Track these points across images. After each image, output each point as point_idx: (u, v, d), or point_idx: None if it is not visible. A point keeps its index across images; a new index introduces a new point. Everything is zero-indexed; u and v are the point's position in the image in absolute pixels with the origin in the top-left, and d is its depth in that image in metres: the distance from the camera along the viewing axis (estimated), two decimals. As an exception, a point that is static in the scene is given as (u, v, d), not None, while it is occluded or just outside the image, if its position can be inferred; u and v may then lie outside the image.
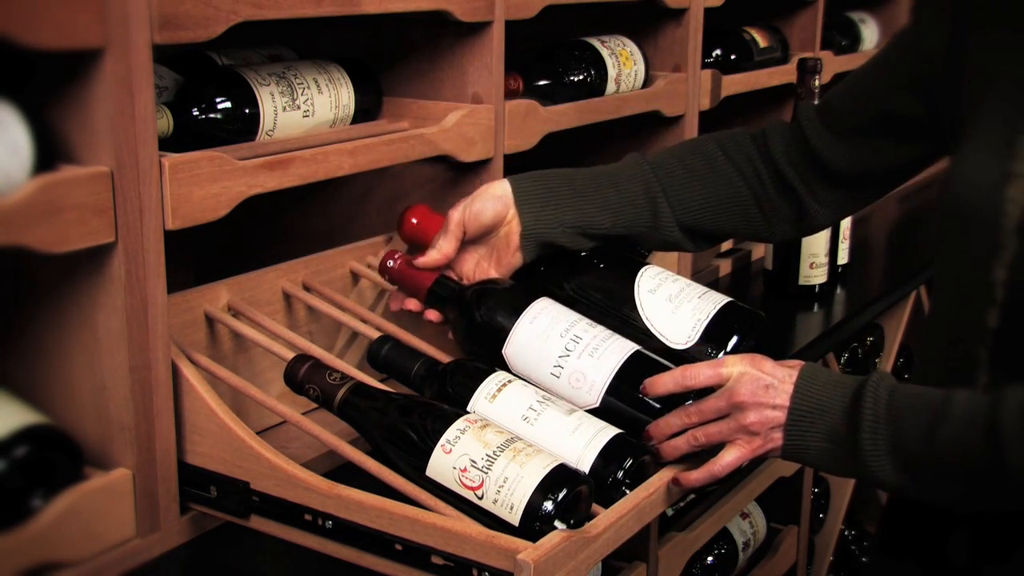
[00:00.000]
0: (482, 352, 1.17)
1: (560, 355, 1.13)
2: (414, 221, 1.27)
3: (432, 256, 1.21)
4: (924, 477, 1.00)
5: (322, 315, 1.25)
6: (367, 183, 1.47)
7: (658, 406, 1.09)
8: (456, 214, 1.21)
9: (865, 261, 2.16)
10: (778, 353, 1.10)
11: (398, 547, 0.96)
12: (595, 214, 1.23)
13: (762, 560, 1.89)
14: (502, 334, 1.16)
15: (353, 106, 1.28)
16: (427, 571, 0.95)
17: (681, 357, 1.15)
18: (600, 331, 1.15)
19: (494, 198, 1.22)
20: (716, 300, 1.18)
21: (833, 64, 2.25)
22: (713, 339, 1.15)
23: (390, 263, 1.23)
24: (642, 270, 1.21)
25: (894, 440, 0.99)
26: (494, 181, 1.24)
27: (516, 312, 1.16)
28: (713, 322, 1.16)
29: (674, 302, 1.17)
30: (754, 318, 1.18)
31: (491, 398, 1.07)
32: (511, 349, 1.15)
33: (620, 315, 1.19)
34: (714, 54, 1.98)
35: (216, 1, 1.01)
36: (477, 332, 1.17)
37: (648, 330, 1.17)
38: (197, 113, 1.13)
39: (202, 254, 1.50)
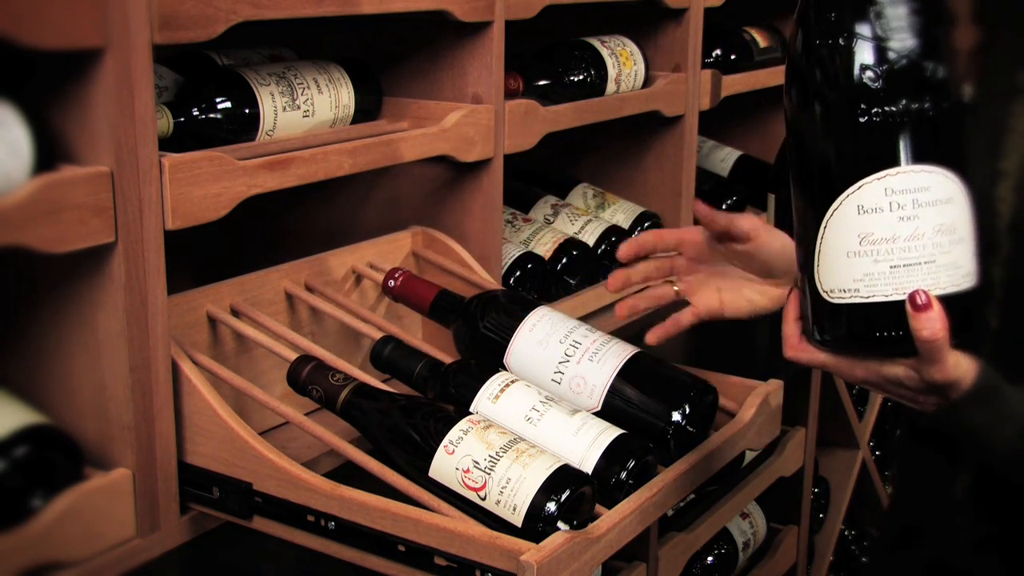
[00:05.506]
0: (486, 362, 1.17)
1: (560, 360, 1.13)
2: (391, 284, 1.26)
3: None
4: None
5: (324, 316, 1.25)
6: (367, 183, 1.47)
7: (657, 408, 1.09)
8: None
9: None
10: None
11: (401, 548, 0.96)
12: None
13: (762, 560, 1.89)
14: (503, 343, 1.17)
15: (353, 106, 1.27)
16: (430, 572, 0.95)
17: None
18: (599, 336, 1.15)
19: None
20: None
21: (832, 64, 2.25)
22: None
23: (391, 283, 1.24)
24: None
25: None
26: None
27: (516, 321, 1.17)
28: None
29: None
30: None
31: (494, 399, 1.07)
32: (512, 357, 1.16)
33: None
34: (714, 54, 1.98)
35: (216, 1, 1.01)
36: (480, 342, 1.18)
37: None
38: (197, 113, 1.13)
39: (202, 254, 1.49)
